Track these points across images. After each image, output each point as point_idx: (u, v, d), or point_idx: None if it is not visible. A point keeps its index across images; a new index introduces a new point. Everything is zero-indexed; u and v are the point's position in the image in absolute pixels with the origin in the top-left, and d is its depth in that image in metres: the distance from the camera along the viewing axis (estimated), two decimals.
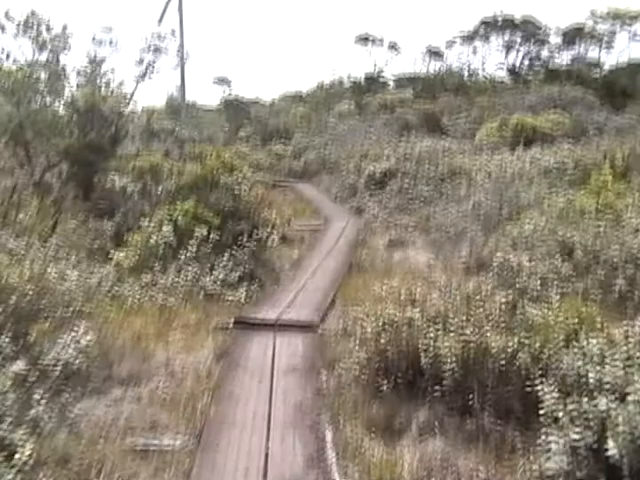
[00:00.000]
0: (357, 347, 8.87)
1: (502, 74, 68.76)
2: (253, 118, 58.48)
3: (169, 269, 13.62)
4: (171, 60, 24.52)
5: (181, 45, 38.42)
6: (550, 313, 8.26)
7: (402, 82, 68.64)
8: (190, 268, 13.32)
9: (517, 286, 12.68)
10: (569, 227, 15.82)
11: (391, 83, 70.90)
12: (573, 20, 64.43)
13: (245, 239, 14.36)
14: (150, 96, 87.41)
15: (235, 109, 60.66)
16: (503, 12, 64.43)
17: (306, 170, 39.06)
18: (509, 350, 7.48)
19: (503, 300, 8.42)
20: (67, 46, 21.40)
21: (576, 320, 8.18)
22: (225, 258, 13.94)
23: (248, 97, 66.88)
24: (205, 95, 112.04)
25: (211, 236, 14.00)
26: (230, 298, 13.12)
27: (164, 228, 14.13)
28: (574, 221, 16.66)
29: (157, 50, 22.95)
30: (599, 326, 8.09)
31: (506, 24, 64.19)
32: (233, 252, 14.10)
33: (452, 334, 7.78)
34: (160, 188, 17.12)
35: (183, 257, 13.63)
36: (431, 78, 67.52)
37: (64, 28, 21.40)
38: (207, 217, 14.48)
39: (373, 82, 68.30)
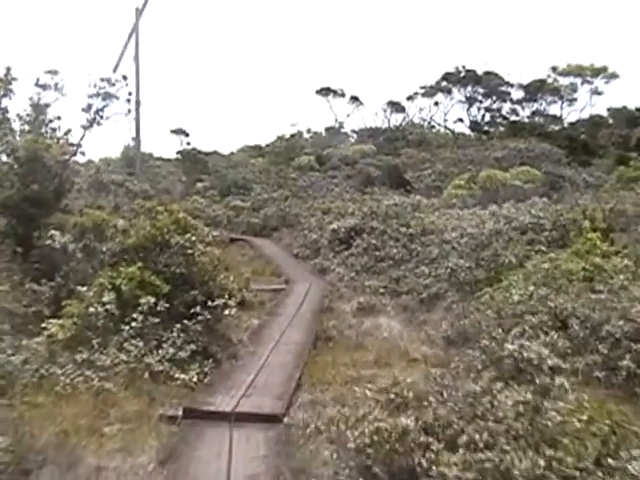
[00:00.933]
0: (335, 458, 7.11)
1: (463, 127, 68.73)
2: (211, 170, 57.13)
3: (110, 344, 11.71)
4: (122, 107, 22.83)
5: (137, 94, 37.11)
6: (575, 418, 6.61)
7: (363, 135, 68.05)
8: (134, 343, 11.41)
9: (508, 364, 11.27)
10: (559, 294, 14.39)
11: (352, 136, 70.30)
12: (534, 76, 64.32)
13: (199, 309, 12.50)
14: (106, 147, 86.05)
15: (192, 161, 59.17)
16: (465, 67, 64.45)
17: (266, 225, 37.53)
18: (536, 474, 5.80)
19: (520, 399, 6.73)
20: (9, 90, 19.75)
21: (607, 425, 6.58)
22: (175, 331, 12.06)
23: (206, 149, 65.72)
24: (163, 146, 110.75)
25: (159, 306, 12.14)
26: (180, 378, 11.27)
27: (105, 296, 12.24)
28: (562, 286, 15.24)
29: (107, 96, 21.27)
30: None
31: (469, 77, 64.03)
32: (185, 324, 12.22)
33: (461, 452, 6.09)
34: (105, 248, 15.26)
35: (126, 330, 11.73)
36: (393, 131, 67.03)
37: (7, 71, 19.77)
38: (155, 283, 12.63)
39: (334, 135, 67.56)
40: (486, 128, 66.08)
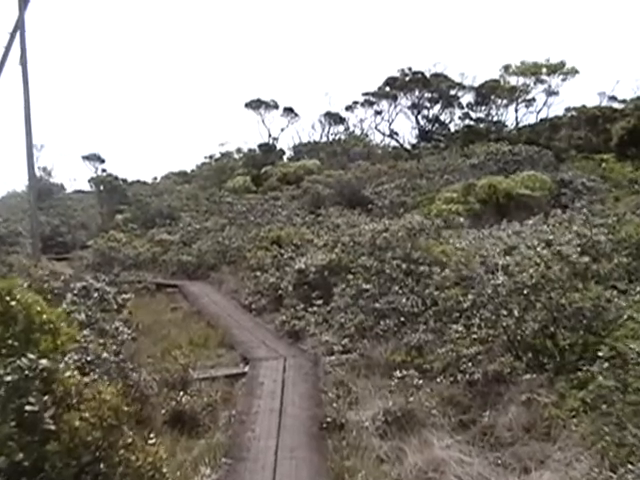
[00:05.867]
0: None
1: (406, 138, 62.28)
2: (132, 199, 49.38)
3: None
4: None
5: (26, 108, 28.82)
6: None
7: (301, 150, 60.82)
8: None
9: None
10: None
11: (289, 152, 63.05)
12: (486, 77, 58.20)
13: None
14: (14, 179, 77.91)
15: (109, 189, 51.24)
16: (412, 69, 57.67)
17: (201, 263, 29.48)
18: None
19: None
20: None
21: None
22: None
23: (127, 178, 58.29)
24: (80, 177, 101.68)
25: None
26: None
27: None
28: None
29: None
30: None
31: (415, 81, 57.30)
32: None
33: None
34: None
35: None
36: (332, 144, 59.97)
37: None
38: None
39: (269, 152, 59.97)
40: (436, 136, 59.38)
